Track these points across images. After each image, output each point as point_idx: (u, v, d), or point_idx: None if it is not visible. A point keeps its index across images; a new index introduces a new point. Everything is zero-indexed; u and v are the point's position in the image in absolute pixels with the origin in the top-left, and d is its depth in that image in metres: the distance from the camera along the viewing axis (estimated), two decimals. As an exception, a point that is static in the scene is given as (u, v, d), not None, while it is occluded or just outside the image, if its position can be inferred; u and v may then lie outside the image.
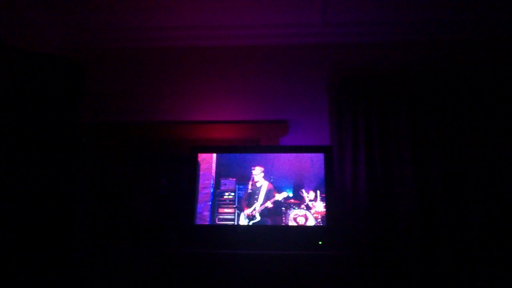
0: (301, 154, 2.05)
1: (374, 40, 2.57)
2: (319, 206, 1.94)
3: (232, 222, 1.96)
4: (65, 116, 2.03)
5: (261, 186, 2.02)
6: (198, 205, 2.00)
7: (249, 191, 2.01)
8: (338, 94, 2.36)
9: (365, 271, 2.00)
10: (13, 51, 1.85)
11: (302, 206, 1.96)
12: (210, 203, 2.00)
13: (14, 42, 2.00)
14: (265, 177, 2.03)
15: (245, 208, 1.99)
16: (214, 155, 2.10)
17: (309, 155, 2.04)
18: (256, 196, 2.00)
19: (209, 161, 2.09)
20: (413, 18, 2.48)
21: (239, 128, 2.44)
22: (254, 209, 1.98)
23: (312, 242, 1.87)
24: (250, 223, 1.96)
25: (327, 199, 1.94)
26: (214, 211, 1.99)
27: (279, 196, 1.99)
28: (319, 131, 2.40)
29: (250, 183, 2.03)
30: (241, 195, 2.01)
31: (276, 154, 2.07)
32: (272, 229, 1.94)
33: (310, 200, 1.95)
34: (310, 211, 1.94)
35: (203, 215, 1.99)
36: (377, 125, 2.26)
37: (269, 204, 1.98)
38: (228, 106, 2.51)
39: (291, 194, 1.99)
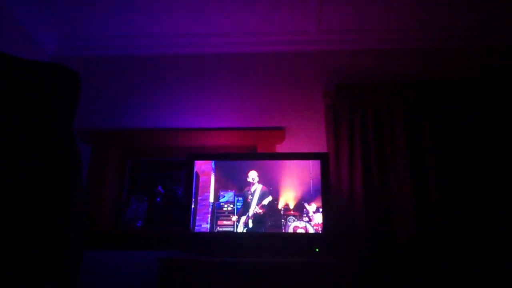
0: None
1: (371, 48, 2.59)
2: (318, 218, 1.94)
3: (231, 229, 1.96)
4: (61, 123, 2.02)
5: (255, 191, 2.01)
6: (197, 217, 1.99)
7: (248, 200, 2.01)
8: (334, 101, 2.37)
9: (362, 278, 1.99)
10: (8, 59, 1.84)
11: (304, 218, 1.95)
12: (210, 215, 2.00)
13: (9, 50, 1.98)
14: (260, 182, 2.03)
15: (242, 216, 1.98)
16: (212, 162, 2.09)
17: (309, 161, 2.04)
18: (250, 201, 2.00)
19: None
20: (409, 26, 2.51)
21: (236, 135, 2.44)
22: (247, 216, 1.97)
23: (309, 249, 1.86)
24: (244, 230, 1.95)
25: (324, 206, 1.94)
26: (213, 223, 1.98)
27: (265, 201, 1.98)
28: (316, 137, 2.40)
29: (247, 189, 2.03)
30: (239, 207, 2.01)
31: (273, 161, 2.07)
32: (269, 236, 1.93)
33: (314, 213, 1.95)
34: (310, 223, 1.94)
35: (201, 228, 1.98)
36: (374, 131, 2.27)
37: (257, 209, 1.97)
38: (225, 113, 2.51)
39: (270, 198, 1.98)
